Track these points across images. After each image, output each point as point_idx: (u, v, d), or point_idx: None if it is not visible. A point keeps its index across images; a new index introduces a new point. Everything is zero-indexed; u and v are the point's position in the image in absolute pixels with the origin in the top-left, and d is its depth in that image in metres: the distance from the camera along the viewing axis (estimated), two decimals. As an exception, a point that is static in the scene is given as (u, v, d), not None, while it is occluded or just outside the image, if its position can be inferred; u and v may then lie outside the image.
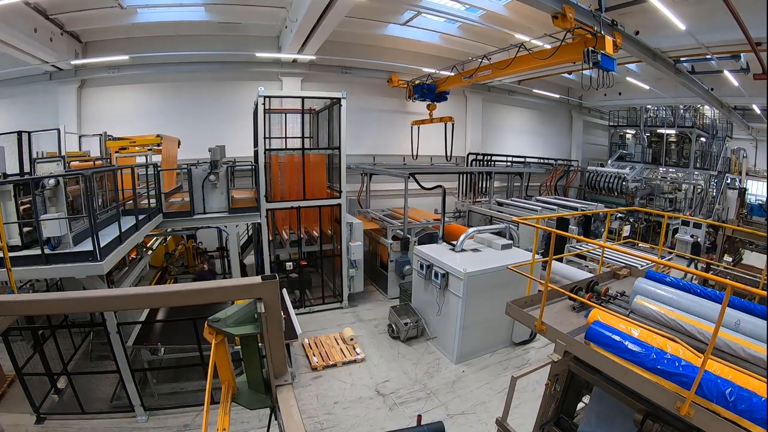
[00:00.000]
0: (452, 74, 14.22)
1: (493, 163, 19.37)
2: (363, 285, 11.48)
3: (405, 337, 9.19)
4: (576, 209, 16.27)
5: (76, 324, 7.82)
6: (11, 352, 6.16)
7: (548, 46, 9.88)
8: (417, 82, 15.66)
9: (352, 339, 8.88)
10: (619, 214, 17.46)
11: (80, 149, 11.92)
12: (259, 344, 2.52)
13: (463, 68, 13.50)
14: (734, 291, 2.74)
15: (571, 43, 8.69)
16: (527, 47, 10.21)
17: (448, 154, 16.49)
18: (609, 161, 23.12)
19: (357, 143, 15.61)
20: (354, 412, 6.95)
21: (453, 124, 15.99)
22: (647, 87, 17.70)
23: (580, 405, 4.65)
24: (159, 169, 8.84)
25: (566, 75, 17.94)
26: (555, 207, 15.42)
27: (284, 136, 11.83)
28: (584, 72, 9.77)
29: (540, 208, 14.92)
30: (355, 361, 8.41)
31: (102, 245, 5.43)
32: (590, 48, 8.25)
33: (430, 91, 15.46)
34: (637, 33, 10.08)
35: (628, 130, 24.13)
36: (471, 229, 10.04)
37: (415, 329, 9.30)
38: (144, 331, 7.32)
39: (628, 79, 17.43)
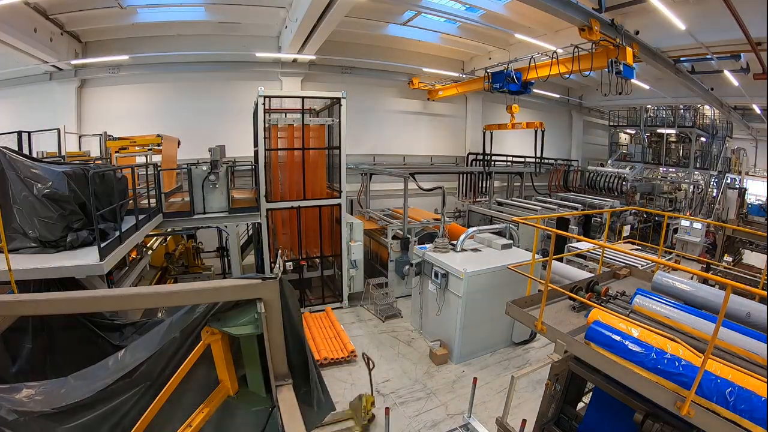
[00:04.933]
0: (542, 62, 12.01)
1: (493, 162, 19.36)
2: (363, 285, 11.49)
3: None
4: (584, 204, 16.28)
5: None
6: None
7: (560, 50, 10.76)
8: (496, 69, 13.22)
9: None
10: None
11: (80, 149, 11.93)
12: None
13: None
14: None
15: (596, 53, 9.81)
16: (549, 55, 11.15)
17: (538, 159, 15.30)
18: (609, 161, 23.12)
19: (357, 143, 15.60)
20: (354, 412, 6.94)
21: (543, 131, 14.67)
22: (647, 87, 17.70)
23: (580, 405, 4.66)
24: (159, 169, 8.83)
25: (566, 75, 17.95)
26: (555, 207, 15.41)
27: (284, 136, 11.81)
28: (591, 74, 10.22)
29: (540, 207, 14.91)
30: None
31: (102, 245, 5.42)
32: (613, 59, 9.18)
33: (513, 81, 12.46)
34: (637, 33, 10.12)
35: (625, 131, 24.14)
36: (471, 229, 10.04)
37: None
38: (144, 331, 7.30)
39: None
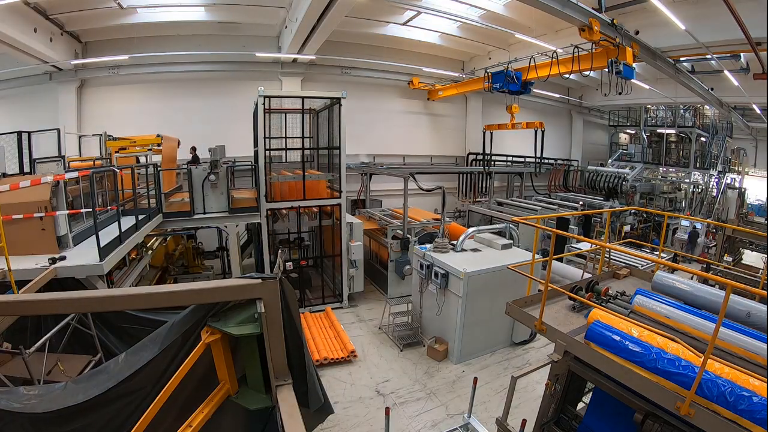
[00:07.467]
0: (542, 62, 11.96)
1: (493, 162, 19.35)
2: (363, 285, 11.49)
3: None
4: (582, 203, 16.25)
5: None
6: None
7: (560, 50, 10.76)
8: (496, 69, 13.14)
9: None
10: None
11: (80, 149, 11.94)
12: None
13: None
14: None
15: (596, 53, 9.81)
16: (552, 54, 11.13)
17: (538, 159, 15.04)
18: (609, 161, 23.11)
19: (357, 143, 15.58)
20: (354, 412, 6.95)
21: (543, 131, 14.52)
22: (647, 87, 17.70)
23: (580, 405, 4.65)
24: (159, 169, 8.84)
25: (565, 75, 17.97)
26: (555, 207, 15.40)
27: (284, 136, 11.83)
28: (591, 74, 10.23)
29: (540, 207, 14.90)
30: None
31: (102, 245, 5.43)
32: (613, 59, 9.20)
33: (513, 81, 12.47)
34: (637, 33, 10.12)
35: (625, 131, 24.13)
36: (471, 229, 10.04)
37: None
38: (144, 331, 7.30)
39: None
